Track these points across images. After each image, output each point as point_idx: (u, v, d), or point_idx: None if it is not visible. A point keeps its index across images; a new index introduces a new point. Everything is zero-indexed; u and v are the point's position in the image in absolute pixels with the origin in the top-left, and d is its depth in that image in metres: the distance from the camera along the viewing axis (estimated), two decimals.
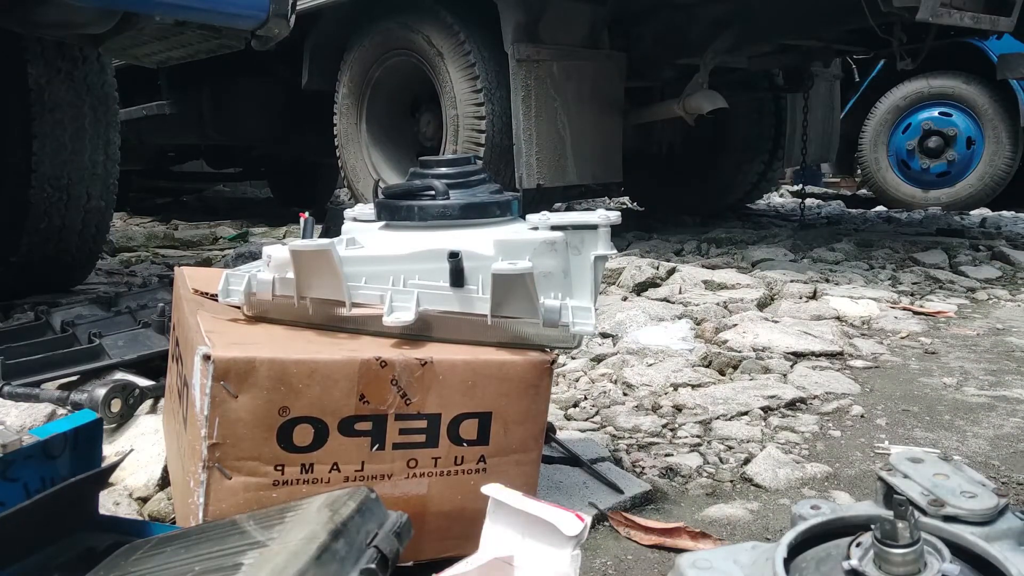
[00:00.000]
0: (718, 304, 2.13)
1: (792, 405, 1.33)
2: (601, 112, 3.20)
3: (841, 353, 1.65)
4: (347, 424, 0.72)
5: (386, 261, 0.83)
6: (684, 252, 3.18)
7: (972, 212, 4.92)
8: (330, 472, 0.72)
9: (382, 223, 0.92)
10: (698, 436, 1.19)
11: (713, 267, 2.73)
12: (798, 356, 1.63)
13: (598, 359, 1.61)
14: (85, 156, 2.12)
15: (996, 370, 1.57)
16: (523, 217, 0.89)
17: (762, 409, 1.29)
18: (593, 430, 1.22)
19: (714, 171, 4.36)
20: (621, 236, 3.43)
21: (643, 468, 1.07)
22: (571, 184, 3.21)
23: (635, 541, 0.87)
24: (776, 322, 1.90)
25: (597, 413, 1.29)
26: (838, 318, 1.94)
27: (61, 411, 1.12)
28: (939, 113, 4.94)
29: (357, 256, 0.83)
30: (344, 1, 3.47)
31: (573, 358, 1.61)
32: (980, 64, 4.60)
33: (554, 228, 0.82)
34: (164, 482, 0.95)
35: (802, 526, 0.52)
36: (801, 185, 4.75)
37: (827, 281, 2.47)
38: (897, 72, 3.98)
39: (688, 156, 4.35)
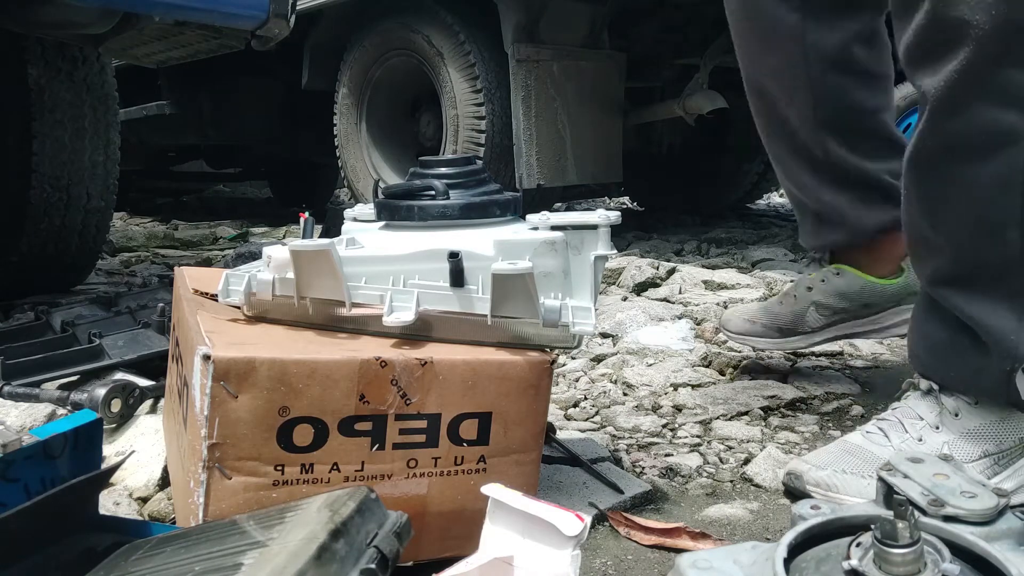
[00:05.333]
0: (718, 304, 2.13)
1: (792, 405, 1.33)
2: (601, 112, 3.21)
3: (841, 353, 1.65)
4: (347, 424, 0.72)
5: (386, 261, 0.83)
6: (684, 252, 3.18)
7: None
8: (330, 472, 0.72)
9: (382, 223, 0.92)
10: (698, 436, 1.19)
11: (713, 267, 2.73)
12: (798, 356, 1.63)
13: (598, 359, 1.61)
14: (85, 156, 2.12)
15: None
16: (523, 217, 0.89)
17: (762, 409, 1.29)
18: (593, 430, 1.22)
19: (714, 171, 4.36)
20: (621, 236, 3.43)
21: (643, 468, 1.07)
22: (571, 184, 3.21)
23: (635, 541, 0.87)
24: None
25: (597, 413, 1.29)
26: None
27: (61, 411, 1.12)
28: None
29: (357, 256, 0.83)
30: (344, 1, 3.47)
31: (573, 358, 1.61)
32: None
33: (554, 228, 0.82)
34: (164, 482, 0.95)
35: (802, 526, 0.52)
36: None
37: None
38: (897, 72, 3.98)
39: (688, 156, 4.35)
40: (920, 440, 0.96)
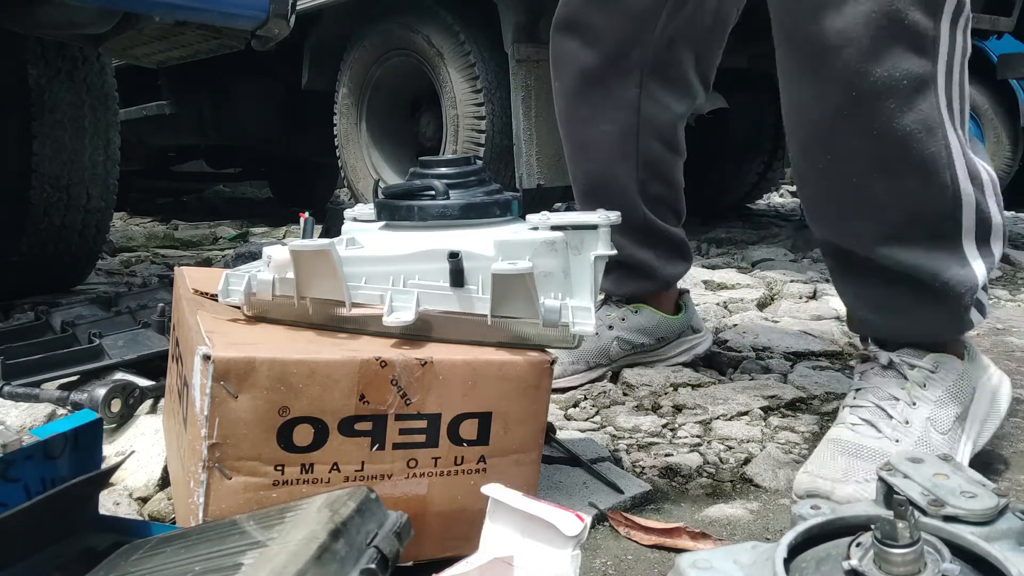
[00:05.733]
0: (718, 304, 2.13)
1: (792, 405, 1.33)
2: None
3: (841, 353, 1.65)
4: (347, 424, 0.72)
5: (386, 261, 0.83)
6: None
7: None
8: (330, 472, 0.72)
9: (382, 223, 0.92)
10: (698, 436, 1.19)
11: (713, 267, 2.73)
12: (798, 356, 1.63)
13: None
14: (85, 156, 2.12)
15: None
16: (523, 217, 0.89)
17: (762, 409, 1.29)
18: (593, 430, 1.22)
19: (714, 171, 4.35)
20: None
21: (643, 468, 1.07)
22: (571, 184, 3.21)
23: (635, 541, 0.87)
24: (776, 322, 1.91)
25: (597, 413, 1.29)
26: (838, 318, 1.94)
27: (61, 411, 1.12)
28: None
29: (357, 256, 0.83)
30: (344, 1, 3.47)
31: None
32: (980, 64, 4.60)
33: (554, 228, 0.82)
34: (164, 482, 0.95)
35: (802, 526, 0.52)
36: None
37: (827, 281, 2.47)
38: None
39: (688, 156, 4.34)
40: (907, 423, 0.97)
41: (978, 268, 0.97)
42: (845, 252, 1.02)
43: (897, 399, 0.98)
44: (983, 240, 0.98)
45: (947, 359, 1.01)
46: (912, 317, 1.00)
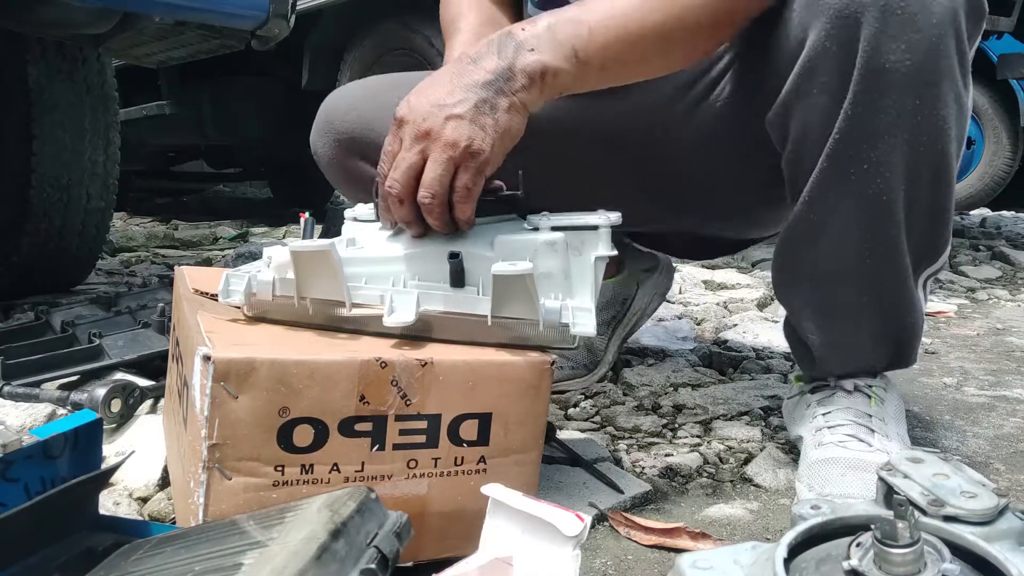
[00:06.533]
0: (718, 304, 2.13)
1: None
2: None
3: None
4: (347, 425, 0.72)
5: (386, 262, 0.83)
6: None
7: (972, 212, 4.92)
8: (330, 473, 0.72)
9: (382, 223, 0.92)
10: (698, 436, 1.19)
11: (713, 267, 2.73)
12: None
13: None
14: (85, 156, 2.12)
15: (996, 370, 1.57)
16: (523, 217, 0.89)
17: (762, 409, 1.29)
18: (593, 430, 1.22)
19: None
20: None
21: (643, 468, 1.07)
22: None
23: (635, 541, 0.87)
24: (776, 322, 1.90)
25: (597, 413, 1.29)
26: None
27: (61, 411, 1.12)
28: None
29: (357, 256, 0.83)
30: (344, 1, 3.47)
31: None
32: (980, 64, 4.60)
33: (554, 229, 0.82)
34: (164, 482, 0.95)
35: (802, 526, 0.52)
36: None
37: None
38: None
39: None
40: (887, 436, 0.98)
41: (921, 304, 1.02)
42: (839, 287, 0.99)
43: (871, 415, 1.00)
44: (928, 279, 1.03)
45: (887, 376, 1.06)
46: (884, 353, 1.03)
